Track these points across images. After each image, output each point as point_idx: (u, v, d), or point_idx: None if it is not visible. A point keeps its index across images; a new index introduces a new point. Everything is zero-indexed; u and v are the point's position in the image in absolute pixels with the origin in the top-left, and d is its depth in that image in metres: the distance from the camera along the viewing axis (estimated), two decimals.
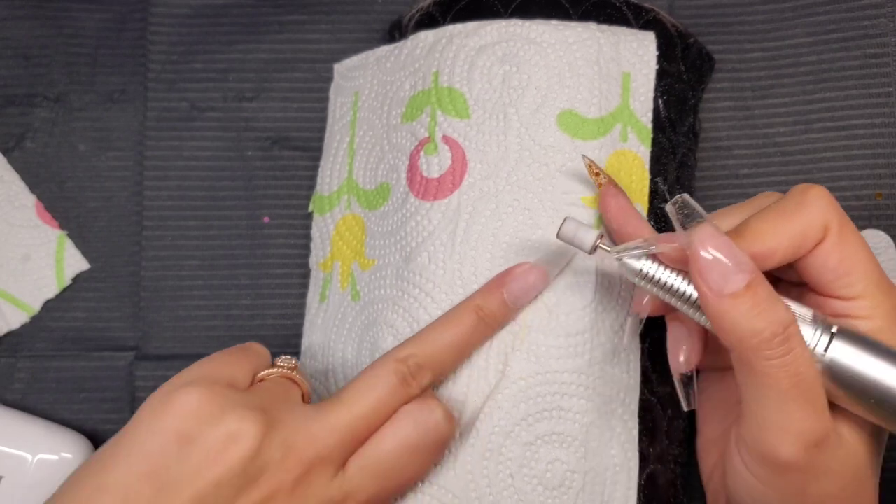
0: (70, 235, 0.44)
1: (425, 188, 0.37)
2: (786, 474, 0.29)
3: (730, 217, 0.33)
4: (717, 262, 0.29)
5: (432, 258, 0.36)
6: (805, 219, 0.31)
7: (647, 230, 0.34)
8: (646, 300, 0.33)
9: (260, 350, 0.35)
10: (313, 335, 0.41)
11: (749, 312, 0.28)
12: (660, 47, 0.38)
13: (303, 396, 0.34)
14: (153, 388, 0.43)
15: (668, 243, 0.31)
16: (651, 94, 0.37)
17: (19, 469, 0.40)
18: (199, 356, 0.43)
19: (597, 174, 0.35)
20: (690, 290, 0.31)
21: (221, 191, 0.45)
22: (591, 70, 0.37)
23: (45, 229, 0.44)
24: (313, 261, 0.43)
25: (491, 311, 0.34)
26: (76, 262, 0.44)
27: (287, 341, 0.43)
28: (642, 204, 0.37)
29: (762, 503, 0.31)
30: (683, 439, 0.38)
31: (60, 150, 0.45)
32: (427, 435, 0.32)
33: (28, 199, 0.44)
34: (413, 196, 0.37)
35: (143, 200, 0.44)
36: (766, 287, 0.29)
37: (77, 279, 0.44)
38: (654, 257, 0.31)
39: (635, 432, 0.36)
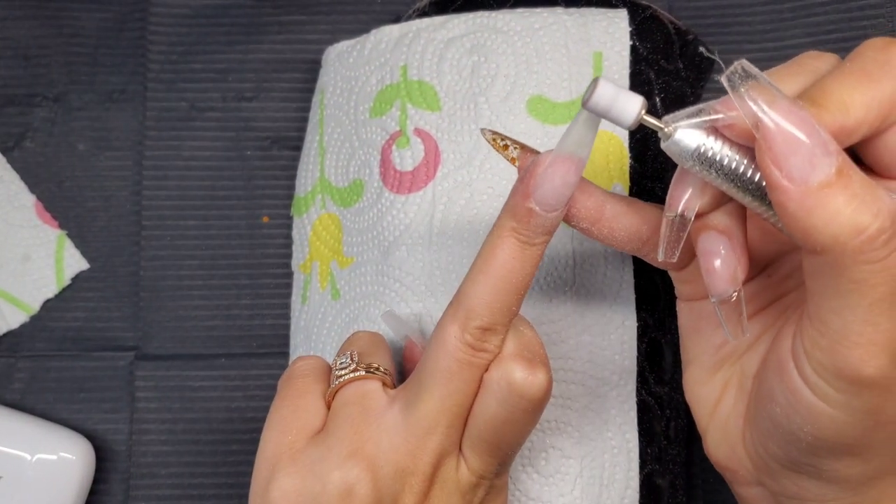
0: (69, 235, 0.44)
1: (399, 182, 0.37)
2: (864, 392, 0.25)
3: (780, 83, 0.26)
4: (798, 144, 0.23)
5: (410, 251, 0.36)
6: (894, 82, 0.24)
7: (610, 195, 0.29)
8: (688, 195, 0.26)
9: (311, 366, 0.32)
10: (297, 337, 0.41)
11: (846, 205, 0.23)
12: (657, 45, 0.38)
13: (384, 383, 0.31)
14: (153, 388, 0.43)
15: (733, 111, 0.24)
16: (626, 72, 0.37)
17: (18, 469, 0.40)
18: (199, 356, 0.44)
19: (505, 147, 0.29)
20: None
21: (221, 190, 0.45)
22: (559, 54, 0.37)
23: (45, 229, 0.44)
24: (294, 263, 0.43)
25: (528, 230, 0.28)
26: (76, 262, 0.44)
27: (287, 341, 0.43)
28: (623, 184, 0.36)
29: (823, 426, 0.26)
30: (682, 439, 0.38)
31: (60, 149, 0.45)
32: (511, 402, 0.29)
33: (27, 199, 0.44)
34: (387, 190, 0.37)
35: (142, 200, 0.44)
36: (857, 170, 0.23)
37: (76, 279, 0.44)
38: (714, 131, 0.25)
39: (633, 413, 0.36)
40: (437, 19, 0.38)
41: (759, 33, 0.44)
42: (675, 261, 0.27)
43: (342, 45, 0.42)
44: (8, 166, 0.44)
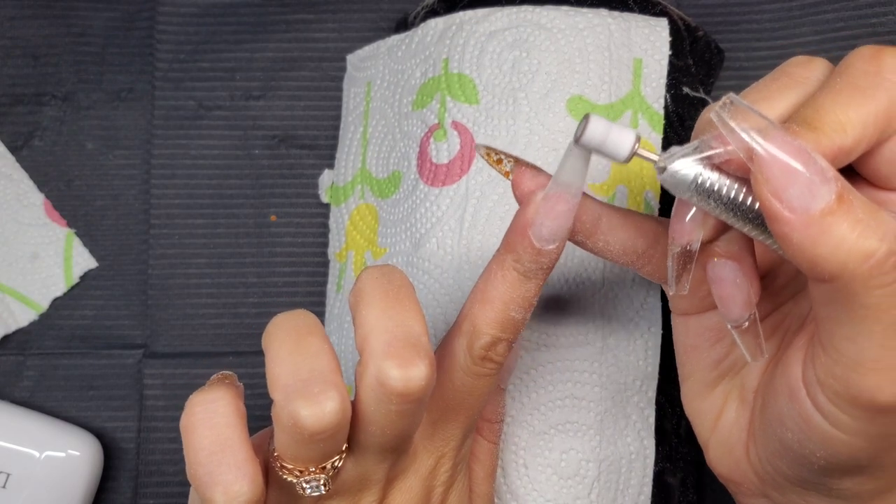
0: (78, 234, 0.44)
1: (434, 174, 0.37)
2: (879, 418, 0.25)
3: (771, 100, 0.25)
4: (796, 174, 0.22)
5: (440, 244, 0.36)
6: (888, 94, 0.24)
7: (607, 207, 0.28)
8: (689, 217, 0.26)
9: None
10: (331, 324, 0.41)
11: (851, 231, 0.22)
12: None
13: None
14: (161, 386, 0.43)
15: (728, 146, 0.24)
16: (663, 81, 0.37)
17: (27, 466, 0.40)
18: (207, 354, 0.44)
19: (498, 161, 0.29)
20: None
21: (229, 189, 0.45)
22: (602, 56, 0.37)
23: (54, 227, 0.44)
24: (330, 251, 0.43)
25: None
26: (84, 261, 0.44)
27: None
28: (654, 191, 0.36)
29: (837, 451, 0.26)
30: (693, 438, 0.38)
31: (68, 148, 0.45)
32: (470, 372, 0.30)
33: (36, 198, 0.45)
34: (422, 183, 0.37)
35: (150, 199, 0.44)
36: (858, 194, 0.23)
37: (85, 277, 0.44)
38: (710, 163, 0.25)
39: (652, 420, 0.36)
40: (481, 11, 0.38)
41: (767, 31, 0.44)
42: (685, 293, 0.27)
43: (392, 40, 0.42)
44: (17, 165, 0.45)
